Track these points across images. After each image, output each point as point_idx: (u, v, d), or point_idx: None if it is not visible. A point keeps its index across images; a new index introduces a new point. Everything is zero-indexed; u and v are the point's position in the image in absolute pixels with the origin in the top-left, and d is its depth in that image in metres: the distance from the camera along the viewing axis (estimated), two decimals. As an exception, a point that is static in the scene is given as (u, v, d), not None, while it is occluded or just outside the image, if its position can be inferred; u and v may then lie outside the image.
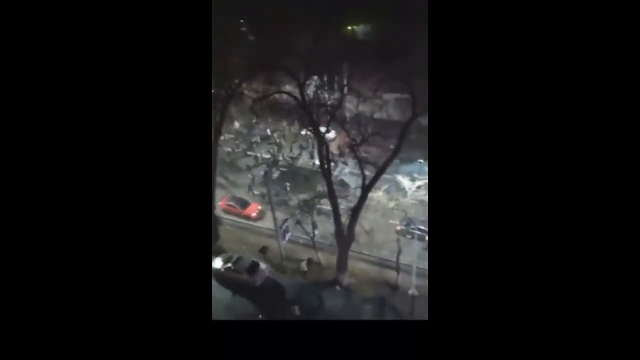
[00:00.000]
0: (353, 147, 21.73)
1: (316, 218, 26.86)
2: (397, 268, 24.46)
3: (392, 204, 28.94)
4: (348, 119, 27.27)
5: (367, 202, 22.86)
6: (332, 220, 23.61)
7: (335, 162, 30.51)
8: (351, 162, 29.05)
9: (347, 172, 32.07)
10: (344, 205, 24.85)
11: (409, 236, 26.46)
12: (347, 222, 23.12)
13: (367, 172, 21.77)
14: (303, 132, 33.68)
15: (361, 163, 21.92)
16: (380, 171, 21.13)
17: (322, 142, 21.08)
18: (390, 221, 28.29)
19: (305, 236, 26.58)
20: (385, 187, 29.31)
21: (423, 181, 29.50)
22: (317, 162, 22.72)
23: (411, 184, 29.94)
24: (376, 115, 26.70)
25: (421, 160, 30.40)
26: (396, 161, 22.99)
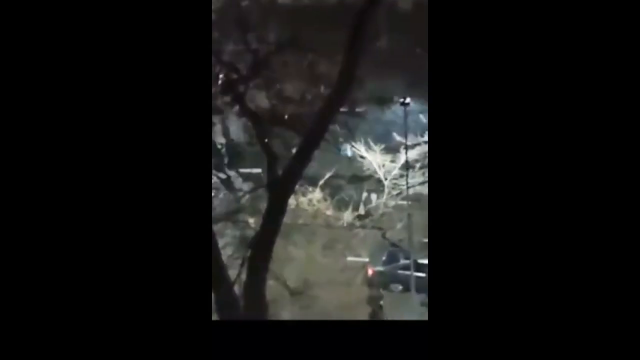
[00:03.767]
0: (234, 88, 9.85)
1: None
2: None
3: (348, 216, 13.53)
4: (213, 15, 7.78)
5: (286, 218, 9.36)
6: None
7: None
8: (234, 121, 13.43)
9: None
10: (231, 236, 11.63)
11: (397, 287, 13.60)
12: (244, 276, 9.29)
13: (279, 148, 9.72)
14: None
15: (259, 124, 9.86)
16: (311, 139, 8.74)
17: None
18: (350, 258, 13.21)
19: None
20: (327, 175, 13.48)
21: (417, 150, 13.62)
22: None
23: (388, 160, 14.01)
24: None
25: (405, 100, 13.21)
26: (352, 109, 10.83)
